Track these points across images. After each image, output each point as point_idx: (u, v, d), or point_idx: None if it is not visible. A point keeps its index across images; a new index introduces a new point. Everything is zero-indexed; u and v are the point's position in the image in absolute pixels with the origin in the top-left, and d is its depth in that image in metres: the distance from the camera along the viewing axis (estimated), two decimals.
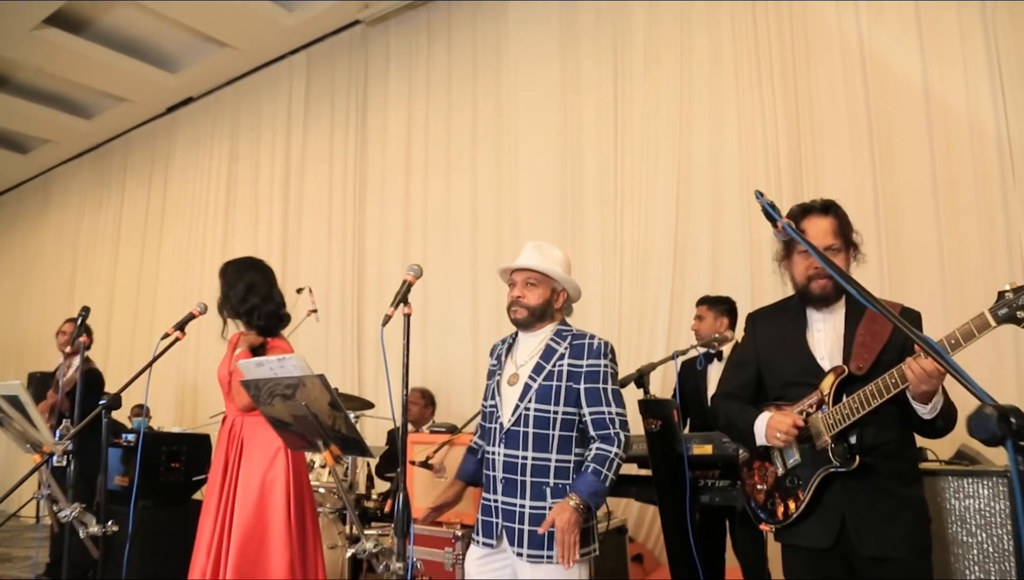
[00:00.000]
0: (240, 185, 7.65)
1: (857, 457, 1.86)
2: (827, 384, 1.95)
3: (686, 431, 3.61)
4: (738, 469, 2.22)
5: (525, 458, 2.21)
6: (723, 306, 3.72)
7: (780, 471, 2.04)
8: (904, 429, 1.94)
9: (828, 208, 2.04)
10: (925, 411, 1.83)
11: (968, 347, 1.70)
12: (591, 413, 2.22)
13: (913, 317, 1.99)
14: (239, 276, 3.06)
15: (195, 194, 8.13)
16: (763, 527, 2.08)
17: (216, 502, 2.87)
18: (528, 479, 2.20)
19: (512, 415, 2.25)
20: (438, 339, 5.87)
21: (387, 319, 2.11)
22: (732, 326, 3.67)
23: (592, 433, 2.22)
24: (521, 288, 2.34)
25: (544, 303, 2.33)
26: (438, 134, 6.14)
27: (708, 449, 2.76)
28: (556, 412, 2.22)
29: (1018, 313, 1.63)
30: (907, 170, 4.06)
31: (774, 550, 3.30)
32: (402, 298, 2.15)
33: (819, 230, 1.99)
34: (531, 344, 2.35)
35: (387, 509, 3.93)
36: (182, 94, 8.12)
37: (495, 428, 2.30)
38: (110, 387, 5.16)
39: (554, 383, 2.23)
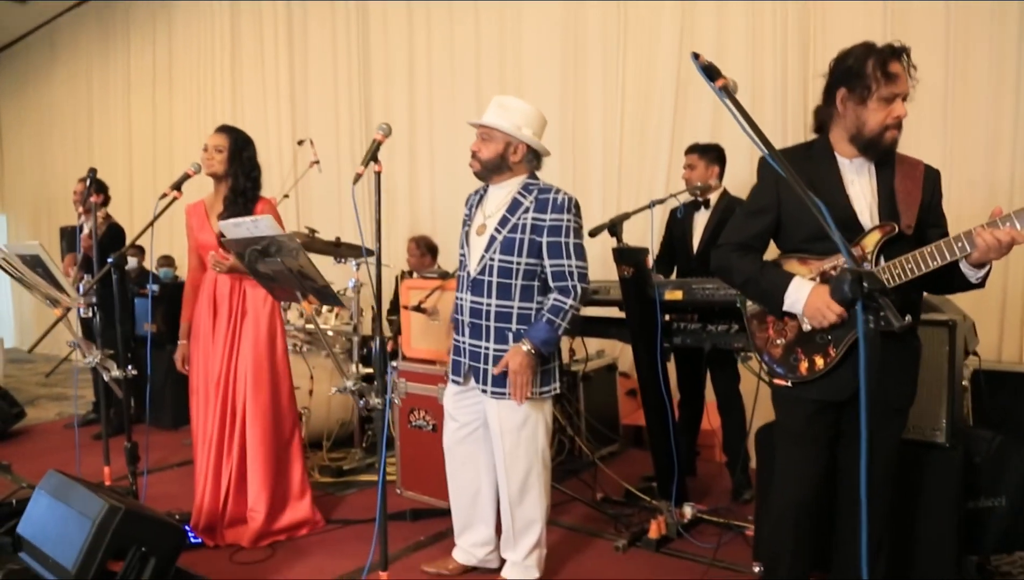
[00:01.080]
0: (244, 35, 7.50)
1: (908, 317, 1.74)
2: (871, 241, 1.88)
3: (674, 278, 3.74)
4: (745, 322, 2.15)
5: (489, 305, 2.37)
6: (713, 153, 3.69)
7: (807, 326, 1.95)
8: (923, 286, 1.94)
9: (907, 56, 1.93)
10: (978, 275, 1.84)
11: None
12: (551, 265, 2.35)
13: (934, 176, 2.02)
14: (248, 141, 3.24)
15: (200, 46, 8.00)
16: (778, 381, 2.03)
17: (225, 341, 3.12)
18: (492, 324, 2.38)
19: (478, 264, 2.39)
20: (445, 189, 5.95)
21: (357, 177, 2.20)
22: (721, 175, 3.68)
23: (551, 284, 2.36)
24: (476, 143, 2.44)
25: (496, 157, 2.41)
26: None
27: (679, 294, 2.88)
28: (519, 263, 2.36)
29: None
30: (920, 15, 3.87)
31: (745, 388, 3.55)
32: (371, 156, 2.25)
33: (903, 76, 1.89)
34: (499, 196, 2.45)
35: (389, 349, 4.22)
36: None
37: (463, 275, 2.46)
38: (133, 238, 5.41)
39: (518, 235, 2.35)
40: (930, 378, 2.38)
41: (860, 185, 1.97)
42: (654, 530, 2.96)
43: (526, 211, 2.37)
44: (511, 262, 2.35)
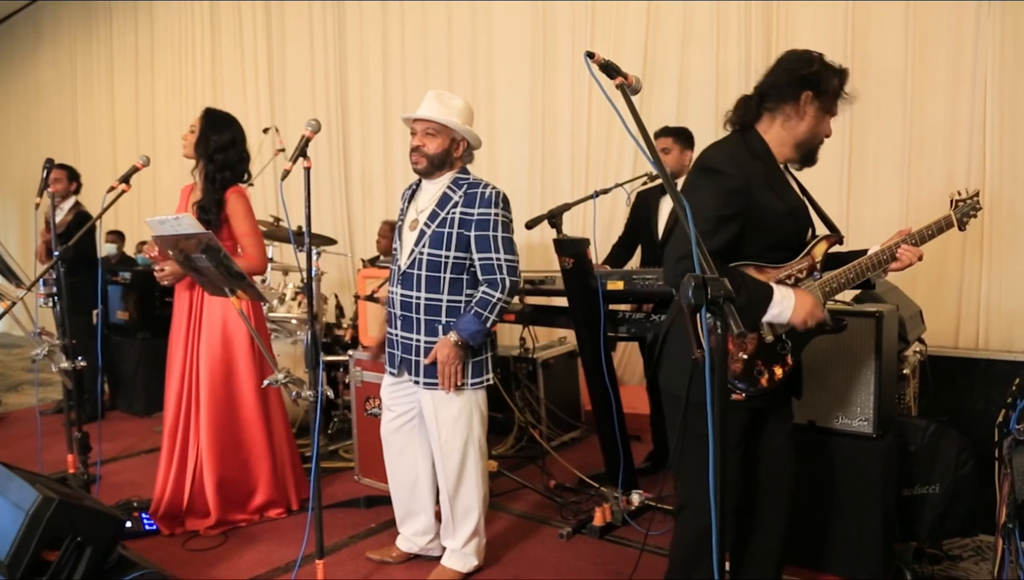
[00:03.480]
0: (223, 22, 7.51)
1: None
2: (820, 251, 1.92)
3: (637, 263, 3.76)
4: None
5: (419, 298, 2.40)
6: (685, 136, 3.63)
7: (769, 338, 1.87)
8: None
9: None
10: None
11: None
12: (480, 259, 2.37)
13: None
14: (226, 125, 3.15)
15: (181, 30, 8.01)
16: (736, 397, 1.90)
17: (187, 331, 3.15)
18: (422, 317, 2.40)
19: (408, 258, 2.41)
20: None
21: (286, 174, 2.23)
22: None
23: (480, 277, 2.38)
24: (421, 137, 2.42)
25: (443, 152, 2.41)
26: None
27: (620, 285, 2.88)
28: (448, 257, 2.37)
29: (963, 219, 1.96)
30: (881, 10, 3.86)
31: None
32: (300, 152, 2.25)
33: None
34: (431, 191, 2.46)
35: (347, 338, 4.25)
36: None
37: (395, 269, 2.47)
38: (110, 224, 5.40)
39: (446, 230, 2.37)
40: (858, 369, 2.41)
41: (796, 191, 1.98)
42: (599, 517, 3.00)
43: (455, 206, 2.38)
44: (440, 256, 2.37)
